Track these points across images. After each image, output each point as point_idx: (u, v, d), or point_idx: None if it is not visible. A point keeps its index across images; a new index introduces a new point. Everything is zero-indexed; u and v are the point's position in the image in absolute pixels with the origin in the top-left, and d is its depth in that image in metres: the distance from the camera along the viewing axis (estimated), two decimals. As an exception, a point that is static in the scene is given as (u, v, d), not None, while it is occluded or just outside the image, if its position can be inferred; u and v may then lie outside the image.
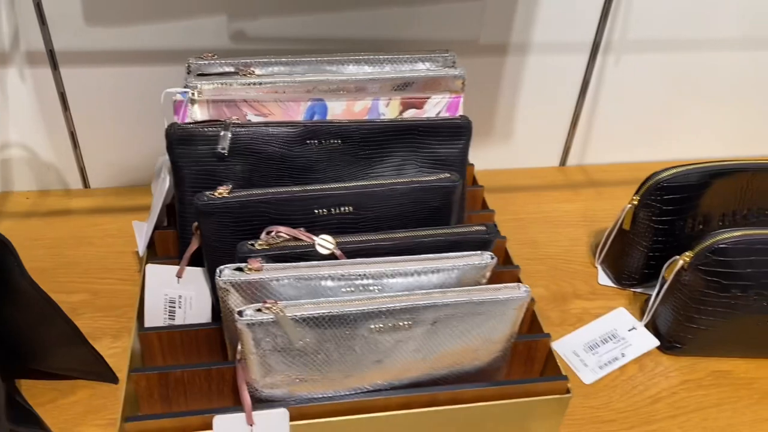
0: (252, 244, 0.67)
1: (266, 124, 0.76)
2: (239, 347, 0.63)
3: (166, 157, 0.76)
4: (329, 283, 0.65)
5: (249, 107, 0.78)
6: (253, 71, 0.79)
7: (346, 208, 0.71)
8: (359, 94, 0.80)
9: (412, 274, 0.66)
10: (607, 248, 0.95)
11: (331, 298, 0.63)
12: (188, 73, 0.78)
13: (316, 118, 0.80)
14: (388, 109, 0.81)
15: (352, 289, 0.66)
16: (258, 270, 0.64)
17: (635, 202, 0.88)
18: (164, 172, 0.81)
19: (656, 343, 0.85)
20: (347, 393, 0.68)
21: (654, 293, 0.85)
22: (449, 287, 0.67)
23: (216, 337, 0.74)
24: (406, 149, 0.79)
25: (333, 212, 0.71)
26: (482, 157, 1.11)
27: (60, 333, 0.73)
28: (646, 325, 0.87)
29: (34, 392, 0.76)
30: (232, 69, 0.79)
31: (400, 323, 0.64)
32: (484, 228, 0.71)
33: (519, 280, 0.81)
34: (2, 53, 0.91)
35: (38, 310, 0.71)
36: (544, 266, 0.97)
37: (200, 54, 0.79)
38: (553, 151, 1.15)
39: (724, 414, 0.79)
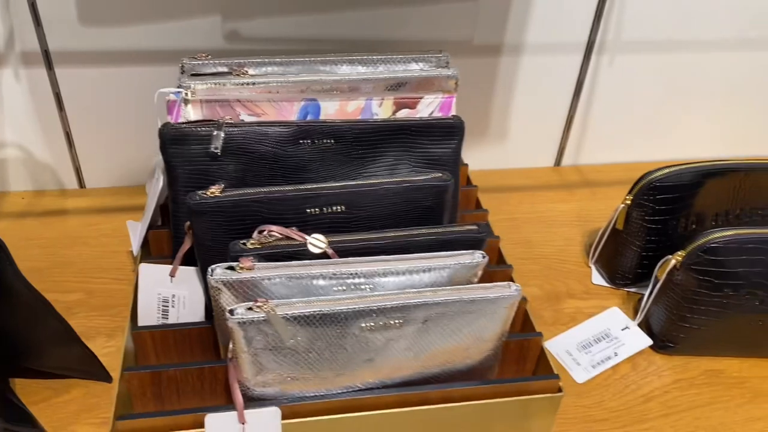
0: (244, 243, 0.67)
1: (259, 123, 0.76)
2: (231, 346, 0.63)
3: (160, 156, 0.77)
4: (321, 282, 0.65)
5: (242, 107, 0.78)
6: (247, 71, 0.79)
7: (339, 207, 0.72)
8: (352, 94, 0.80)
9: (403, 273, 0.67)
10: (600, 248, 0.95)
11: (322, 297, 0.63)
12: (182, 73, 0.78)
13: (309, 118, 0.80)
14: (381, 109, 0.81)
15: (344, 288, 0.66)
16: (250, 269, 0.64)
17: (628, 202, 0.88)
18: (158, 172, 0.82)
19: (649, 342, 0.86)
20: (339, 391, 0.68)
21: (647, 293, 0.85)
22: (441, 286, 0.67)
23: (209, 336, 0.74)
24: (399, 149, 0.79)
25: (325, 211, 0.71)
26: (477, 158, 1.11)
27: (53, 332, 0.73)
28: (639, 325, 0.88)
29: (28, 391, 0.76)
30: (225, 69, 0.79)
31: (391, 322, 0.64)
32: (476, 227, 0.71)
33: (512, 280, 0.81)
34: (-3, 53, 0.92)
35: (31, 310, 0.71)
36: (538, 266, 0.97)
37: (195, 54, 0.79)
38: (547, 152, 1.15)
39: (716, 413, 0.79)
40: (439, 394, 0.68)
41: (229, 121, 0.75)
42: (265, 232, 0.67)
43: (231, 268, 0.64)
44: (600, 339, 0.86)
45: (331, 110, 0.80)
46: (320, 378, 0.66)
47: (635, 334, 0.87)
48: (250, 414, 0.65)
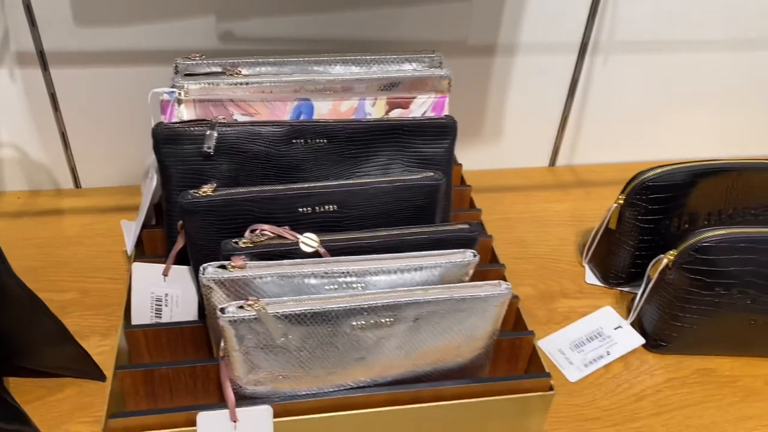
0: (236, 242, 0.67)
1: (252, 123, 0.76)
2: (222, 344, 0.63)
3: (154, 156, 0.77)
4: (312, 280, 0.66)
5: (235, 107, 0.78)
6: (240, 71, 0.79)
7: (331, 206, 0.72)
8: (346, 94, 0.80)
9: (395, 272, 0.67)
10: (594, 248, 0.95)
11: (313, 296, 0.64)
12: (176, 73, 0.79)
13: (302, 117, 0.80)
14: (374, 109, 0.82)
15: (336, 286, 0.66)
16: (241, 268, 0.64)
17: (621, 202, 0.88)
18: (152, 172, 0.82)
19: (641, 341, 0.86)
20: (331, 390, 0.68)
21: (639, 292, 0.85)
22: (432, 285, 0.67)
23: (201, 335, 0.75)
24: (391, 149, 0.80)
25: (317, 210, 0.72)
26: (472, 158, 1.11)
27: (47, 331, 0.74)
28: (632, 324, 0.88)
29: (22, 390, 0.77)
30: (219, 69, 0.79)
31: (382, 320, 0.64)
32: (467, 226, 0.71)
33: (504, 279, 0.82)
34: (-8, 54, 0.92)
35: (25, 309, 0.71)
36: (532, 265, 0.97)
37: (189, 54, 0.80)
38: (542, 152, 1.15)
39: (708, 412, 0.79)
40: (430, 392, 0.69)
41: (222, 121, 0.76)
42: (257, 231, 0.68)
43: (223, 266, 0.64)
44: (592, 338, 0.86)
45: (324, 110, 0.80)
46: (312, 376, 0.67)
47: (628, 333, 0.87)
48: (242, 412, 0.65)
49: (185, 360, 0.74)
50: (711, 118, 1.15)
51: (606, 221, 0.91)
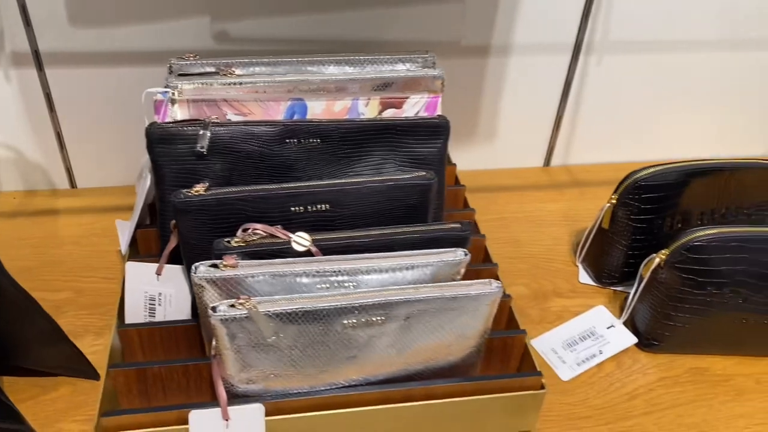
0: (228, 242, 0.67)
1: (245, 123, 0.77)
2: (214, 343, 0.64)
3: (148, 156, 0.77)
4: (304, 279, 0.66)
5: (229, 107, 0.79)
6: (234, 71, 0.80)
7: (323, 205, 0.72)
8: (339, 94, 0.81)
9: (386, 271, 0.67)
10: (587, 247, 0.95)
11: (304, 294, 0.64)
12: (170, 73, 0.79)
13: (296, 117, 0.80)
14: (368, 109, 0.82)
15: (327, 285, 0.66)
16: (233, 267, 0.65)
17: (614, 201, 0.88)
18: (146, 171, 0.82)
19: (634, 340, 0.86)
20: (323, 388, 0.68)
21: (632, 291, 0.86)
22: (424, 284, 0.67)
23: (194, 334, 0.75)
24: (385, 148, 0.80)
25: (309, 210, 0.72)
26: (467, 158, 1.12)
27: (40, 330, 0.74)
28: (625, 323, 0.88)
29: (16, 389, 0.77)
30: (213, 69, 0.80)
31: (373, 319, 0.64)
32: (459, 225, 0.72)
33: (497, 278, 0.82)
34: (-12, 54, 0.92)
35: (18, 308, 0.71)
36: (526, 265, 0.98)
37: (183, 55, 0.80)
38: (537, 152, 1.16)
39: (700, 410, 0.80)
40: (422, 391, 0.69)
41: (216, 121, 0.76)
42: (249, 231, 0.68)
43: (214, 265, 0.65)
44: (585, 337, 0.87)
45: (318, 110, 0.81)
46: (304, 375, 0.67)
47: (620, 333, 0.87)
48: (234, 410, 0.65)
49: (178, 359, 0.74)
50: (705, 118, 1.15)
51: (599, 221, 0.91)
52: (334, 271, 0.66)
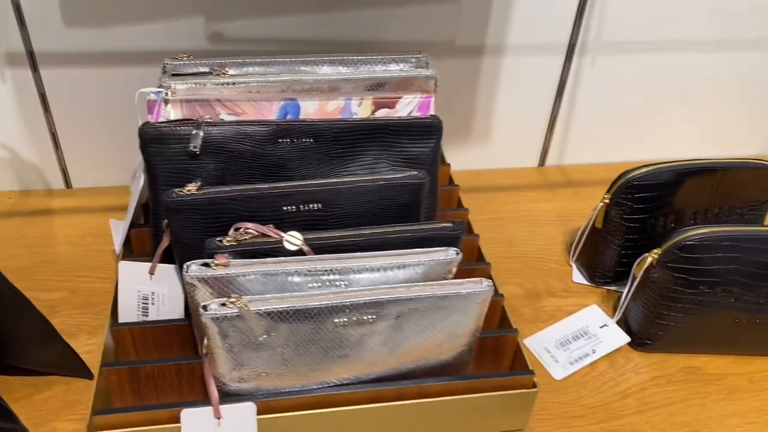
0: (220, 241, 0.68)
1: (238, 122, 0.77)
2: (205, 341, 0.64)
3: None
4: (296, 278, 0.66)
5: (222, 107, 0.79)
6: (228, 71, 0.80)
7: (315, 205, 0.72)
8: (332, 94, 0.81)
9: (378, 270, 0.67)
10: (581, 247, 0.96)
11: (295, 293, 0.64)
12: (163, 74, 0.79)
13: (289, 117, 0.81)
14: (361, 109, 0.82)
15: (319, 284, 0.67)
16: (225, 266, 0.65)
17: (606, 201, 0.89)
18: (140, 171, 0.82)
19: (627, 339, 0.86)
20: (314, 387, 0.69)
21: (625, 290, 0.86)
22: (415, 283, 0.67)
23: (187, 333, 0.75)
24: (377, 148, 0.80)
25: (302, 209, 0.72)
26: (463, 158, 1.12)
27: (33, 329, 0.74)
28: (618, 322, 0.88)
29: (9, 388, 0.77)
30: (206, 69, 0.80)
31: (365, 317, 0.65)
32: (450, 225, 0.72)
33: (490, 277, 0.82)
34: (-18, 55, 0.92)
35: (11, 307, 0.71)
36: (520, 264, 0.98)
37: (177, 55, 0.80)
38: (532, 152, 1.16)
39: (692, 409, 0.80)
40: (414, 389, 0.69)
41: (209, 121, 0.76)
42: (241, 230, 0.68)
43: (206, 264, 0.65)
44: (578, 336, 0.87)
45: (311, 110, 0.81)
46: (296, 374, 0.67)
47: (613, 332, 0.87)
48: (226, 409, 0.65)
49: (171, 358, 0.74)
50: (699, 118, 1.16)
51: (592, 220, 0.91)
52: (326, 270, 0.66)
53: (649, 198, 0.87)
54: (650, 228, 0.89)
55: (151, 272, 0.77)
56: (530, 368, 0.73)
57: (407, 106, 0.83)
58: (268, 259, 0.66)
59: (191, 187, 0.70)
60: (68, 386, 0.78)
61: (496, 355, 0.78)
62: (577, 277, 0.96)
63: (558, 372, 0.83)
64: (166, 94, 0.77)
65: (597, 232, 0.92)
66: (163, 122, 0.76)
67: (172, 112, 0.78)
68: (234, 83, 0.78)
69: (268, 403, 0.67)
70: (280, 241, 0.68)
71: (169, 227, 0.73)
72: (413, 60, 0.84)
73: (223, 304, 0.61)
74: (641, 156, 1.16)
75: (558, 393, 0.81)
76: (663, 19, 1.03)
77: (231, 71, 0.80)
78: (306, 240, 0.69)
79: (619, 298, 0.89)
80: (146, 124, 0.75)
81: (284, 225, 0.71)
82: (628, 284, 0.85)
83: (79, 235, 0.98)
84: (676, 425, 0.78)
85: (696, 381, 0.83)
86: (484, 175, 1.14)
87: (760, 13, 1.05)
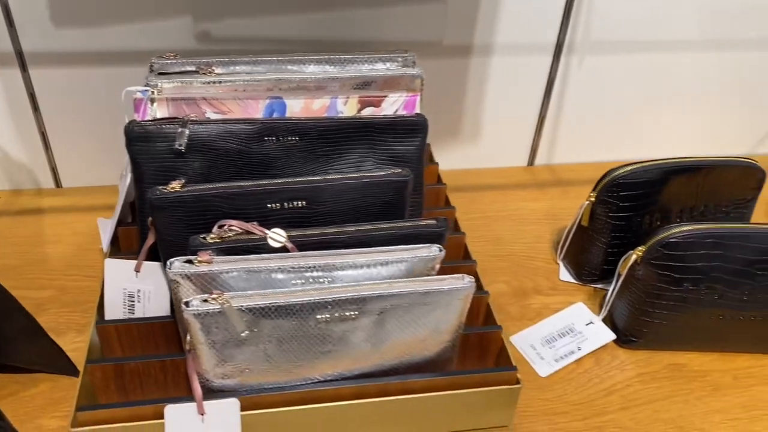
0: (204, 238, 0.68)
1: (224, 121, 0.77)
2: (188, 338, 0.64)
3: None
4: (279, 275, 0.66)
5: (208, 105, 0.79)
6: (214, 70, 0.80)
7: (299, 202, 0.73)
8: (318, 93, 0.81)
9: (361, 267, 0.68)
10: (567, 245, 0.96)
11: (278, 289, 0.65)
12: (150, 72, 0.80)
13: (275, 115, 0.81)
14: (346, 107, 0.83)
15: (302, 281, 0.67)
16: (208, 263, 0.65)
17: (592, 199, 0.89)
18: (127, 170, 0.83)
19: (612, 336, 0.87)
20: (298, 383, 0.69)
21: (610, 288, 0.86)
22: (398, 279, 0.68)
23: (173, 330, 0.75)
24: (363, 146, 0.80)
25: (286, 206, 0.73)
26: (452, 158, 1.12)
27: (20, 327, 0.74)
28: (604, 320, 0.89)
29: (-5, 385, 0.78)
30: (193, 68, 0.80)
31: (347, 314, 0.65)
32: (434, 222, 0.72)
33: (476, 275, 0.83)
34: (-29, 54, 0.93)
35: (-3, 304, 0.72)
36: (507, 263, 0.98)
37: (165, 54, 0.81)
38: (520, 152, 1.16)
39: (676, 406, 0.80)
40: (397, 385, 0.69)
41: (195, 119, 0.76)
42: (225, 227, 0.68)
43: (189, 261, 0.65)
44: (564, 334, 0.87)
45: (297, 108, 0.81)
46: (279, 370, 0.67)
47: (599, 329, 0.88)
48: (210, 405, 0.66)
49: (156, 354, 0.75)
50: (687, 117, 1.16)
51: (578, 219, 0.92)
52: (309, 267, 0.67)
53: (635, 196, 0.87)
54: (636, 226, 0.90)
55: (137, 270, 0.77)
56: (514, 365, 0.73)
57: (393, 105, 0.83)
58: (252, 256, 0.67)
59: (175, 185, 0.70)
60: (54, 383, 0.78)
61: (480, 352, 0.78)
62: (564, 275, 0.96)
63: (543, 369, 0.83)
64: (153, 92, 0.77)
65: (583, 231, 0.92)
66: (149, 120, 0.77)
67: (159, 111, 0.78)
68: (220, 82, 0.78)
69: (251, 399, 0.67)
70: (264, 239, 0.69)
71: (153, 225, 0.73)
72: (400, 59, 0.84)
73: (205, 300, 0.62)
74: (630, 155, 1.16)
75: (543, 390, 0.81)
76: (651, 18, 1.04)
77: (218, 70, 0.80)
78: (290, 237, 0.69)
79: (605, 295, 0.89)
80: (132, 122, 0.75)
81: (269, 222, 0.71)
82: (614, 282, 0.85)
83: (69, 234, 0.98)
84: (660, 422, 0.78)
85: (680, 378, 0.83)
86: (473, 174, 1.14)
87: (748, 12, 1.05)
